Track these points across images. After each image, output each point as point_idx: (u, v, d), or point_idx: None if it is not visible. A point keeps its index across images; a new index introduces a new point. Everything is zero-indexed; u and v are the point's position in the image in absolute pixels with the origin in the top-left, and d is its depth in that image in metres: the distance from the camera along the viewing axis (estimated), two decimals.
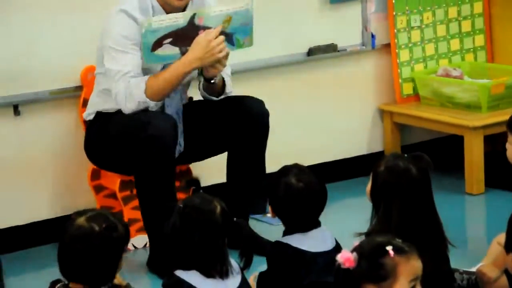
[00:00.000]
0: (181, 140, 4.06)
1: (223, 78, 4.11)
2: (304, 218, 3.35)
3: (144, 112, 3.89)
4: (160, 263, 3.86)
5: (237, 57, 4.43)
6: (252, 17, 4.00)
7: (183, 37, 3.89)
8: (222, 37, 3.86)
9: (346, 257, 2.43)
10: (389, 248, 2.47)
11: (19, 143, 4.37)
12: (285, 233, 3.37)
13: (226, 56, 3.93)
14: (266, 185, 3.44)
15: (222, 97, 4.13)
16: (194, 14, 3.88)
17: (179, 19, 3.88)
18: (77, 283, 2.89)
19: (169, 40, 3.88)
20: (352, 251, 2.46)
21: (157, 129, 3.80)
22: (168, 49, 3.90)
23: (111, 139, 3.97)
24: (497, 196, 4.56)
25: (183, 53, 3.89)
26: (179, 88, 4.07)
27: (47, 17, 4.32)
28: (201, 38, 3.85)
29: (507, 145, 3.78)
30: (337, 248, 3.34)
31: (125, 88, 3.89)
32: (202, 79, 4.09)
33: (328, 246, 3.35)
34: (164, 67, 3.98)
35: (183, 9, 4.00)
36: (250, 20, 4.00)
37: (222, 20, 3.92)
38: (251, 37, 4.02)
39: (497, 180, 4.70)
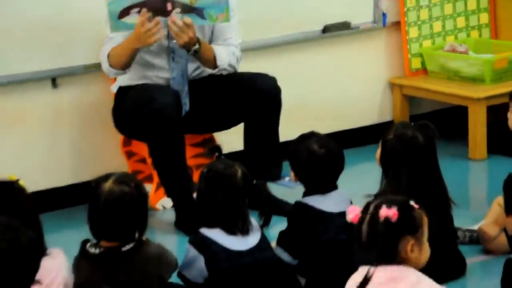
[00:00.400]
0: (186, 100, 4.03)
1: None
2: (325, 181, 3.35)
3: (150, 86, 3.92)
4: (186, 222, 3.86)
5: (256, 36, 4.40)
6: None
7: (151, 6, 3.82)
8: (156, 21, 3.78)
9: (390, 212, 2.43)
10: (412, 203, 2.51)
11: (57, 113, 4.36)
12: (305, 195, 3.36)
13: (188, 33, 3.82)
14: (290, 152, 3.41)
15: (217, 69, 4.08)
16: None
17: None
18: (108, 241, 2.89)
19: (136, 9, 3.82)
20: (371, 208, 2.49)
21: (160, 103, 3.80)
22: (134, 18, 3.82)
23: (126, 112, 4.00)
24: (498, 161, 4.56)
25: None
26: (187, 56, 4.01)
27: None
28: (138, 22, 3.79)
29: (509, 115, 3.79)
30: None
31: (101, 54, 3.97)
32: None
33: (344, 207, 3.31)
34: None
35: None
36: None
37: None
38: (226, 13, 3.91)
39: (499, 147, 4.71)
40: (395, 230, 2.47)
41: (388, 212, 2.45)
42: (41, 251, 2.56)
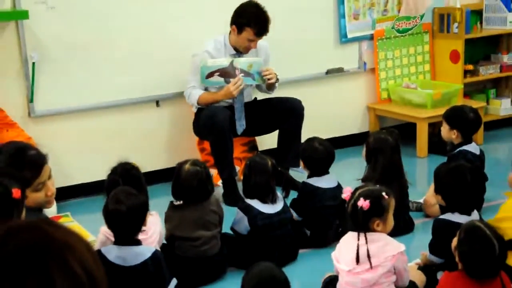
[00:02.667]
0: (243, 122, 4.00)
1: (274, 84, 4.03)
2: (321, 168, 3.30)
3: (214, 108, 3.86)
4: (228, 195, 3.80)
5: (285, 75, 4.34)
6: (261, 66, 3.90)
7: (226, 72, 3.81)
8: (238, 83, 3.78)
9: (364, 203, 2.37)
10: (384, 193, 2.43)
11: (160, 124, 4.31)
12: (308, 177, 3.33)
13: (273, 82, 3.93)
14: (301, 149, 3.39)
15: (273, 91, 4.10)
16: (232, 60, 3.82)
17: (223, 62, 3.82)
18: (182, 200, 2.86)
19: (217, 73, 3.81)
20: (356, 195, 2.41)
21: (218, 119, 3.76)
22: (216, 79, 3.83)
23: (200, 123, 3.94)
24: (435, 158, 4.43)
25: (226, 81, 3.80)
26: (244, 89, 3.98)
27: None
28: (228, 86, 3.79)
29: (442, 128, 3.71)
30: (339, 186, 3.31)
31: (189, 94, 3.92)
32: (264, 87, 4.05)
33: (333, 184, 3.32)
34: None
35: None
36: (260, 67, 3.90)
37: (247, 65, 3.85)
38: (261, 77, 3.92)
39: (435, 149, 4.56)
40: (366, 215, 2.41)
41: (363, 203, 2.38)
42: (147, 210, 2.53)
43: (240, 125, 3.98)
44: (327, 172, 3.31)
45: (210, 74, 3.80)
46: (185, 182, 2.87)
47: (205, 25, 4.21)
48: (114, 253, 2.43)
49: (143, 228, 2.52)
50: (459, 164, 2.86)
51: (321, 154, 3.27)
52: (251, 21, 3.78)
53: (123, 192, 2.48)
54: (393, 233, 2.52)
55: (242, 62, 3.84)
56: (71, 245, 0.83)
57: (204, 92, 3.90)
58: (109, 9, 4.03)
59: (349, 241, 2.45)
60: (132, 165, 2.88)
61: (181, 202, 2.90)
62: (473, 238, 2.21)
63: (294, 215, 3.25)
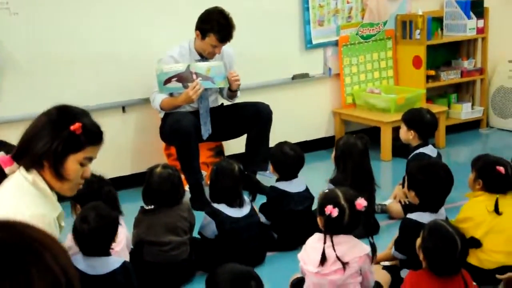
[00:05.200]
0: (208, 127, 4.00)
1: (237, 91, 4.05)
2: (290, 172, 3.31)
3: (180, 114, 3.84)
4: (195, 200, 3.77)
5: (251, 80, 4.34)
6: (223, 70, 3.87)
7: (183, 77, 3.79)
8: (197, 87, 3.75)
9: (332, 210, 2.35)
10: (358, 201, 2.41)
11: (126, 130, 4.29)
12: (277, 181, 3.33)
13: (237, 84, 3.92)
14: (271, 153, 3.40)
15: (235, 99, 4.10)
16: (189, 65, 3.80)
17: (180, 67, 3.79)
18: (153, 205, 2.86)
19: (175, 79, 3.79)
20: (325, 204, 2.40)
21: (183, 124, 3.76)
22: (174, 84, 3.80)
23: (166, 128, 3.94)
24: (398, 161, 4.51)
25: (184, 87, 3.79)
26: (209, 94, 4.01)
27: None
28: (187, 90, 3.77)
29: (400, 130, 3.78)
30: (307, 190, 3.31)
31: (153, 99, 3.91)
32: (227, 91, 4.04)
33: (301, 188, 3.33)
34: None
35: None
36: (222, 71, 3.87)
37: (205, 69, 3.81)
38: (225, 81, 3.90)
39: (398, 152, 4.61)
40: (332, 222, 2.39)
41: (333, 211, 2.37)
42: (117, 227, 2.49)
43: (206, 130, 3.98)
44: (296, 176, 3.33)
45: (168, 80, 3.78)
46: (157, 186, 2.85)
47: (172, 30, 4.21)
48: (83, 263, 2.39)
49: (113, 244, 2.48)
50: (432, 162, 2.93)
51: (292, 159, 3.29)
52: (214, 27, 3.78)
53: (92, 211, 2.43)
54: (359, 235, 2.54)
55: (199, 66, 3.82)
56: (47, 244, 0.84)
57: (166, 97, 3.89)
58: (74, 15, 4.00)
59: (315, 243, 2.46)
60: (103, 179, 2.82)
61: (152, 206, 2.88)
62: (436, 236, 2.26)
63: (263, 219, 3.26)
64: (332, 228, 2.38)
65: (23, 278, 0.79)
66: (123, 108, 4.23)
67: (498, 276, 2.66)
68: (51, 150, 1.89)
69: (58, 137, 1.91)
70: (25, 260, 0.81)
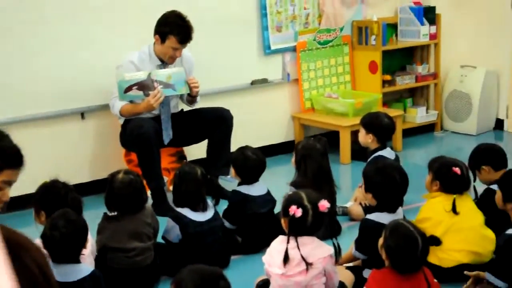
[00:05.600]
0: (170, 132, 3.99)
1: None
2: (252, 176, 3.33)
3: (141, 119, 3.82)
4: (157, 205, 3.74)
5: (211, 86, 4.34)
6: (184, 76, 3.87)
7: (144, 86, 3.78)
8: (158, 95, 3.74)
9: (296, 210, 2.36)
10: (320, 203, 2.43)
11: (85, 136, 4.25)
12: (239, 185, 3.35)
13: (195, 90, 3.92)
14: (233, 157, 3.41)
15: (195, 105, 4.10)
16: (150, 73, 3.79)
17: (141, 75, 3.78)
18: (116, 211, 2.84)
19: (136, 87, 3.77)
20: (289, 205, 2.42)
21: (144, 130, 3.74)
22: (135, 92, 3.78)
23: (126, 134, 3.92)
24: (357, 164, 4.58)
25: (145, 95, 3.78)
26: (170, 100, 3.99)
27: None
28: (148, 98, 3.76)
29: (359, 134, 3.84)
30: (268, 193, 3.35)
31: (113, 105, 3.88)
32: (187, 97, 4.04)
33: (263, 192, 3.35)
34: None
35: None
36: (183, 77, 3.88)
37: (166, 77, 3.81)
38: (186, 87, 3.90)
39: (357, 156, 4.68)
40: (296, 222, 2.42)
41: (296, 211, 2.39)
42: (87, 234, 2.47)
43: (167, 135, 3.97)
44: (257, 180, 3.36)
45: (129, 88, 3.76)
46: (120, 191, 2.83)
47: (130, 36, 4.20)
48: (53, 270, 2.35)
49: (83, 251, 2.46)
50: (387, 164, 2.99)
51: (254, 163, 3.31)
52: (173, 30, 3.79)
53: (63, 218, 2.41)
54: (323, 237, 2.58)
55: (160, 74, 3.82)
56: (25, 245, 0.89)
57: (126, 103, 3.86)
58: (32, 18, 3.95)
59: (279, 245, 2.48)
60: (68, 186, 2.80)
61: (116, 213, 2.86)
62: (398, 235, 2.32)
63: (227, 224, 3.27)
64: (296, 229, 2.41)
65: None
66: (82, 115, 4.19)
67: (466, 272, 2.74)
68: None
69: None
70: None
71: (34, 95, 4.00)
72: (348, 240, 3.19)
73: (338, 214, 3.64)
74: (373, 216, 2.82)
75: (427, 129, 5.57)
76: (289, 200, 2.46)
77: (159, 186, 3.80)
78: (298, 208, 2.39)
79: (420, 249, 2.30)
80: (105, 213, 2.91)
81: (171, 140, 4.01)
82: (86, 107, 4.19)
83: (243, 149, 3.38)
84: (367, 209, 3.41)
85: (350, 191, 3.96)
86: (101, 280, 2.45)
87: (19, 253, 0.87)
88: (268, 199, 3.33)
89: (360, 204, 3.70)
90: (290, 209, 2.39)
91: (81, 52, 4.10)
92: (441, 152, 5.03)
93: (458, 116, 5.56)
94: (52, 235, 2.34)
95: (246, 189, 3.30)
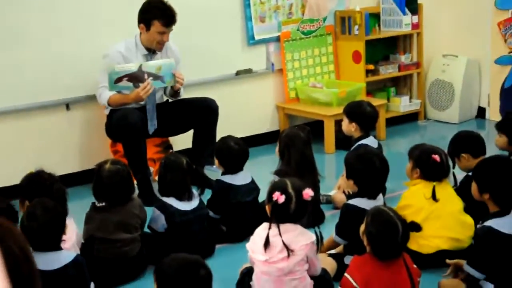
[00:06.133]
0: (155, 122, 4.03)
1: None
2: (235, 165, 3.36)
3: (126, 110, 3.84)
4: (143, 195, 3.76)
5: (196, 76, 4.37)
6: (173, 67, 3.90)
7: (134, 77, 3.81)
8: (148, 87, 3.77)
9: (279, 197, 2.40)
10: (305, 191, 2.47)
11: (71, 127, 4.27)
12: (223, 174, 3.38)
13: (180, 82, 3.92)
14: (215, 147, 3.43)
15: (178, 98, 4.11)
16: (141, 65, 3.82)
17: (132, 67, 3.81)
18: (104, 202, 2.86)
19: (126, 78, 3.80)
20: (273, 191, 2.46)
21: (130, 120, 3.77)
22: (125, 83, 3.81)
23: (112, 125, 3.94)
24: (341, 153, 4.59)
25: (135, 86, 3.81)
26: (156, 91, 4.00)
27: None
28: (137, 90, 3.79)
29: (342, 123, 3.87)
30: (253, 181, 3.39)
31: (100, 94, 3.89)
32: (170, 90, 4.05)
33: (247, 180, 3.39)
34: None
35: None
36: (172, 69, 3.90)
37: (155, 68, 3.84)
38: (174, 79, 3.92)
39: (341, 145, 4.72)
40: (279, 209, 2.46)
41: (280, 197, 2.43)
42: (64, 222, 2.50)
43: (152, 125, 4.00)
44: (241, 169, 3.40)
45: (119, 79, 3.79)
46: (107, 181, 2.86)
47: (114, 27, 4.22)
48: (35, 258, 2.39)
49: (63, 237, 2.49)
50: (367, 151, 3.05)
51: (236, 152, 3.35)
52: (157, 14, 3.83)
53: (39, 206, 2.43)
54: (306, 225, 2.62)
55: (150, 65, 3.85)
56: (8, 229, 0.97)
57: (114, 93, 3.89)
58: (15, 12, 3.96)
59: (262, 231, 2.52)
60: (53, 176, 2.83)
61: (104, 204, 2.89)
62: (379, 220, 2.37)
63: (211, 213, 3.30)
64: (279, 216, 2.45)
65: None
66: (67, 106, 4.20)
67: (447, 261, 2.80)
68: None
69: None
70: None
71: (17, 87, 4.01)
72: (331, 228, 3.23)
73: (322, 202, 3.69)
74: (353, 201, 2.87)
75: (411, 118, 5.63)
76: (274, 187, 2.49)
77: (145, 176, 3.83)
78: (281, 194, 2.42)
79: (400, 235, 2.35)
80: (93, 203, 2.94)
81: (156, 130, 4.04)
82: (71, 98, 4.20)
83: (225, 139, 3.42)
84: (350, 197, 3.46)
85: (335, 180, 4.01)
86: (83, 266, 2.48)
87: (3, 235, 0.95)
88: (252, 187, 3.37)
89: (344, 192, 3.75)
90: (273, 195, 2.42)
91: (64, 43, 4.11)
92: (424, 140, 5.06)
93: (441, 105, 5.63)
94: (29, 224, 2.37)
95: (230, 179, 3.34)
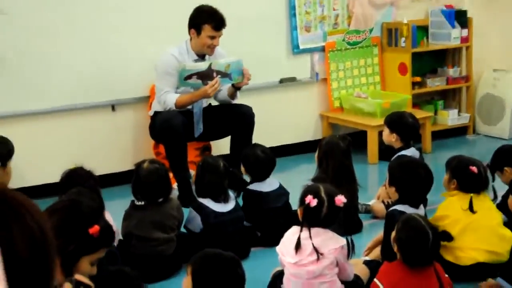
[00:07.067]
0: (201, 125, 4.10)
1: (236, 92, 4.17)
2: (262, 174, 3.39)
3: (170, 113, 3.92)
4: (183, 197, 3.84)
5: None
6: (242, 66, 3.99)
7: (204, 75, 3.91)
8: (216, 85, 3.87)
9: (311, 200, 2.44)
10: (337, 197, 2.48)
11: (115, 128, 4.40)
12: (251, 182, 3.43)
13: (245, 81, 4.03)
14: (242, 156, 3.49)
15: (235, 99, 4.19)
16: (211, 63, 3.91)
17: (202, 66, 3.92)
18: (143, 200, 2.93)
19: (195, 76, 3.91)
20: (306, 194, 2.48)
21: (172, 123, 3.85)
22: (194, 80, 3.92)
23: (155, 127, 4.03)
24: (384, 164, 4.53)
25: (203, 83, 3.90)
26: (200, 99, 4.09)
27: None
28: (205, 87, 3.88)
29: (383, 132, 3.85)
30: (280, 187, 3.40)
31: (165, 99, 3.96)
32: (229, 89, 4.13)
33: (274, 187, 3.40)
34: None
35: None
36: (241, 67, 4.00)
37: (224, 66, 3.93)
38: (241, 77, 4.02)
39: (384, 156, 4.63)
40: (311, 212, 2.48)
41: (312, 201, 2.45)
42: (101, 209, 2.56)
43: (198, 129, 4.09)
44: (269, 176, 3.43)
45: (188, 77, 3.91)
46: (145, 179, 2.94)
47: (163, 32, 4.34)
48: None
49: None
50: (412, 159, 3.03)
51: (263, 160, 3.39)
52: (207, 18, 3.93)
53: (78, 193, 2.52)
54: (343, 233, 2.62)
55: (219, 64, 3.96)
56: (27, 205, 1.01)
57: (178, 96, 3.98)
58: (64, 13, 4.12)
59: (292, 234, 2.54)
60: (90, 173, 2.91)
61: (143, 202, 2.97)
62: (409, 227, 2.37)
63: (246, 223, 3.33)
64: (310, 219, 2.47)
65: (6, 232, 0.95)
66: (113, 107, 4.34)
67: (480, 284, 2.75)
68: None
69: None
70: (7, 217, 0.97)
71: (65, 87, 4.17)
72: (369, 237, 3.24)
73: (361, 212, 3.68)
74: (398, 207, 2.83)
75: (459, 132, 5.55)
76: (307, 190, 2.53)
77: (185, 178, 3.91)
78: (314, 198, 2.44)
79: (431, 243, 2.34)
80: (132, 201, 3.03)
81: (200, 136, 4.12)
82: (117, 99, 4.34)
83: (253, 148, 3.46)
84: (389, 207, 3.45)
85: (376, 191, 3.98)
86: (118, 257, 2.55)
87: (21, 210, 0.99)
88: (281, 193, 3.40)
89: (383, 202, 3.73)
90: (306, 198, 2.45)
91: (112, 46, 4.26)
92: (471, 155, 5.01)
93: (491, 120, 5.53)
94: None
95: (258, 186, 3.37)
